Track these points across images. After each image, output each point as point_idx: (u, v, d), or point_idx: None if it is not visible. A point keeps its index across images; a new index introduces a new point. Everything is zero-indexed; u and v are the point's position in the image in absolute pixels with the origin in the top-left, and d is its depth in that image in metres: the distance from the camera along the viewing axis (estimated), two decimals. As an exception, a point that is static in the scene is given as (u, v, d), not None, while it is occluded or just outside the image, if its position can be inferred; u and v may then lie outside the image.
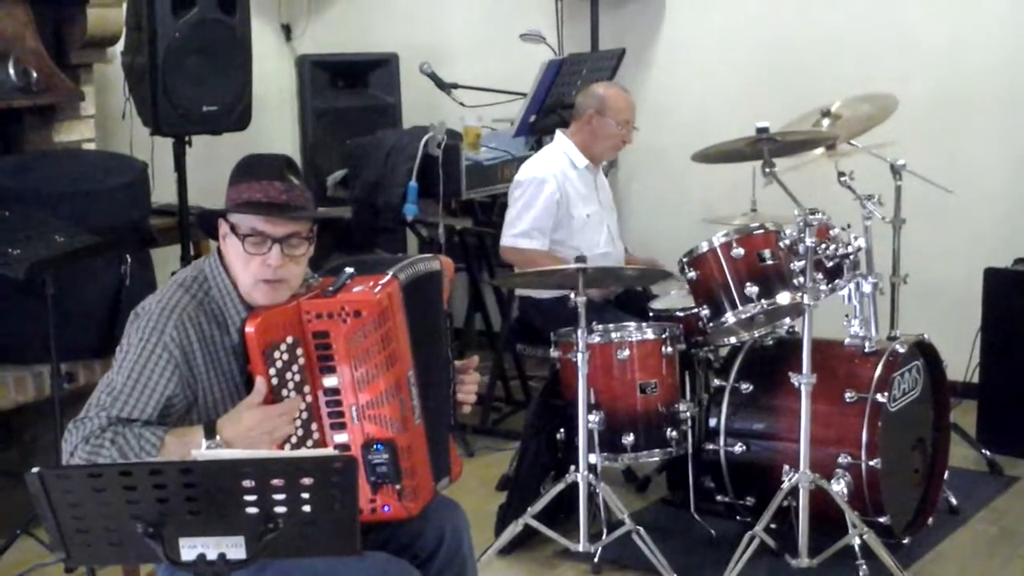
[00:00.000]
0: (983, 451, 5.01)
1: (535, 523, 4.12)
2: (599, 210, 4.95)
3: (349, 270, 2.82)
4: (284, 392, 2.71)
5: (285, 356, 2.71)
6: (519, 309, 5.15)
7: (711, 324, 4.30)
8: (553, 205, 4.81)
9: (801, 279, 3.94)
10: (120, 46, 5.16)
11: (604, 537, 4.11)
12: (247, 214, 2.74)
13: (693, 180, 5.84)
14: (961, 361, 5.30)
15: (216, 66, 5.03)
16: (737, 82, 6.04)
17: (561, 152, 4.93)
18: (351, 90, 6.58)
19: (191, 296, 2.76)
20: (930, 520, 4.34)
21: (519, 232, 4.83)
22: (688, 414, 4.28)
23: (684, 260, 4.35)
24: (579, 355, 4.02)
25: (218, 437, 2.63)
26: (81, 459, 2.61)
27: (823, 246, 4.03)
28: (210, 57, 5.00)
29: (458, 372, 3.06)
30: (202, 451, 2.53)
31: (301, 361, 2.74)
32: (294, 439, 2.72)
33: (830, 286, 4.17)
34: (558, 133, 5.02)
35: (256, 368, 2.68)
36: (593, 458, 4.10)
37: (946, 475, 4.44)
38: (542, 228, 4.81)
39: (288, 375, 2.72)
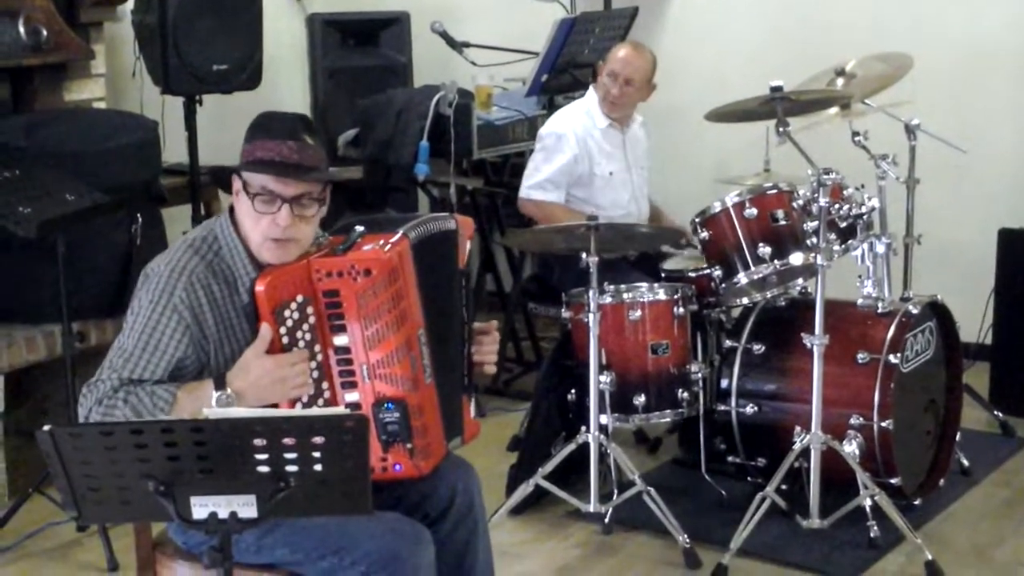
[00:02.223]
0: (995, 413, 5.00)
1: (546, 484, 4.12)
2: (623, 168, 4.93)
3: (359, 228, 2.82)
4: (295, 350, 2.70)
5: (296, 315, 2.71)
6: (538, 263, 5.15)
7: (723, 285, 4.29)
8: (571, 161, 4.81)
9: (814, 239, 3.93)
10: (130, 4, 5.14)
11: (615, 498, 4.12)
12: (258, 172, 2.73)
13: (706, 139, 5.81)
14: (974, 322, 5.29)
15: (227, 25, 5.01)
16: (751, 41, 5.99)
17: (586, 110, 4.92)
18: (362, 49, 6.54)
19: (200, 257, 2.75)
20: (942, 482, 4.34)
21: (534, 184, 4.85)
22: (700, 375, 4.27)
23: (697, 220, 4.34)
24: (591, 316, 4.01)
25: (228, 388, 2.64)
26: (96, 421, 2.61)
27: (837, 206, 4.02)
28: (221, 16, 4.98)
29: (476, 334, 3.05)
30: (214, 409, 2.53)
31: (312, 320, 2.73)
32: (305, 398, 2.72)
33: (843, 246, 4.16)
34: (590, 89, 4.99)
35: (264, 322, 2.68)
36: (604, 419, 4.11)
37: (958, 437, 4.43)
38: (556, 182, 4.82)
39: (299, 334, 2.71)
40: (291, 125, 2.77)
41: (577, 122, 4.88)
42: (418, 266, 2.83)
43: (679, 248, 4.72)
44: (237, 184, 2.78)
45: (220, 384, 2.65)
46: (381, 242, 2.78)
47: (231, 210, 2.82)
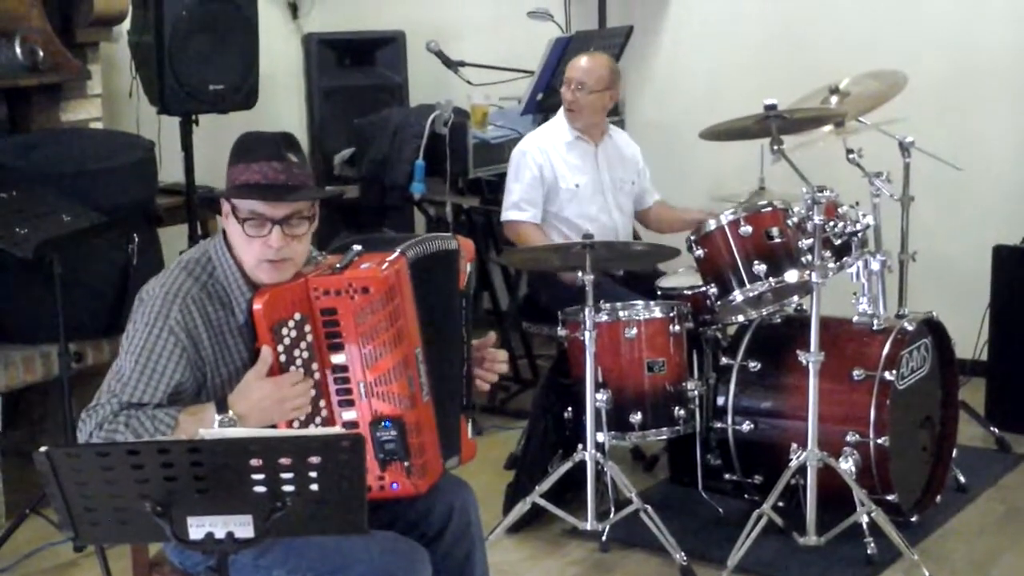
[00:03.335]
0: (991, 429, 5.00)
1: (543, 502, 4.12)
2: (593, 181, 4.90)
3: (357, 247, 2.82)
4: (292, 369, 2.72)
5: (293, 333, 2.71)
6: (528, 284, 5.15)
7: (719, 302, 4.29)
8: (537, 177, 4.82)
9: (809, 257, 3.94)
10: (127, 24, 5.15)
11: (612, 516, 4.12)
12: (245, 198, 2.72)
13: (701, 157, 5.82)
14: (970, 339, 5.29)
15: (223, 44, 5.02)
16: (745, 59, 6.01)
17: (553, 126, 4.94)
18: (358, 68, 6.56)
19: (195, 279, 2.75)
20: (938, 498, 4.34)
21: (509, 204, 4.87)
22: (696, 392, 4.28)
23: (692, 238, 4.34)
24: (587, 334, 4.02)
25: (230, 412, 2.64)
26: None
27: (831, 224, 4.02)
28: (217, 35, 5.00)
29: (476, 350, 3.05)
30: (210, 430, 2.54)
31: (309, 338, 2.74)
32: (302, 416, 2.72)
33: (838, 264, 4.16)
34: (561, 107, 5.00)
35: (264, 344, 2.69)
36: (601, 437, 4.11)
37: (954, 453, 4.44)
38: (530, 199, 4.82)
39: (296, 352, 2.72)
40: (274, 145, 2.75)
41: (541, 138, 4.90)
42: (416, 285, 2.83)
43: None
44: (226, 208, 2.77)
45: (222, 407, 2.65)
46: (379, 261, 2.78)
47: (224, 231, 2.83)
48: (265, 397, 2.67)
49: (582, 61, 4.87)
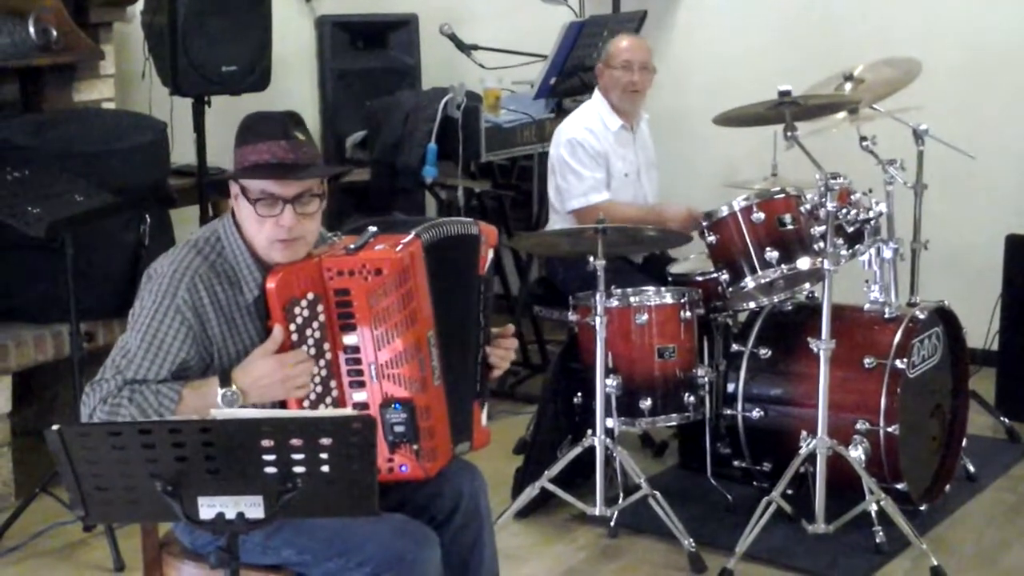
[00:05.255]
0: (1001, 418, 5.00)
1: (552, 487, 4.12)
2: (634, 171, 4.91)
3: (372, 229, 2.82)
4: (304, 348, 2.72)
5: (305, 312, 2.72)
6: (544, 266, 5.13)
7: (730, 289, 4.29)
8: (601, 158, 4.78)
9: (821, 244, 3.93)
10: (140, 5, 5.15)
11: (621, 501, 4.12)
12: (256, 178, 2.72)
13: (714, 144, 5.81)
14: (981, 328, 5.28)
15: (236, 26, 5.02)
16: (759, 45, 5.99)
17: (596, 113, 4.88)
18: (371, 51, 6.56)
19: (203, 257, 2.75)
20: (947, 487, 4.34)
21: (585, 189, 4.77)
22: (706, 379, 4.27)
23: (704, 224, 4.34)
24: (597, 319, 4.01)
25: (233, 386, 2.65)
26: (100, 419, 2.62)
27: (844, 211, 4.02)
28: (230, 17, 5.00)
29: (494, 338, 3.05)
30: (222, 410, 2.54)
31: (321, 318, 2.74)
32: (313, 396, 2.73)
33: (850, 251, 4.16)
34: (596, 94, 4.95)
35: (276, 323, 2.70)
36: (610, 422, 4.11)
37: (964, 442, 4.43)
38: (603, 180, 4.79)
39: (308, 331, 2.72)
40: (281, 124, 2.75)
41: (589, 122, 4.85)
42: (430, 268, 2.83)
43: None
44: (235, 189, 2.77)
45: (225, 381, 2.66)
46: (393, 242, 2.79)
47: (233, 211, 2.82)
48: (266, 374, 2.67)
49: (634, 43, 4.88)
